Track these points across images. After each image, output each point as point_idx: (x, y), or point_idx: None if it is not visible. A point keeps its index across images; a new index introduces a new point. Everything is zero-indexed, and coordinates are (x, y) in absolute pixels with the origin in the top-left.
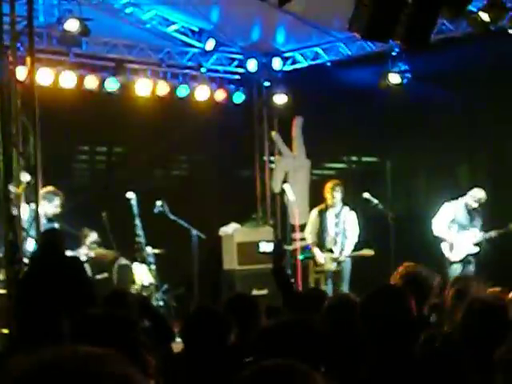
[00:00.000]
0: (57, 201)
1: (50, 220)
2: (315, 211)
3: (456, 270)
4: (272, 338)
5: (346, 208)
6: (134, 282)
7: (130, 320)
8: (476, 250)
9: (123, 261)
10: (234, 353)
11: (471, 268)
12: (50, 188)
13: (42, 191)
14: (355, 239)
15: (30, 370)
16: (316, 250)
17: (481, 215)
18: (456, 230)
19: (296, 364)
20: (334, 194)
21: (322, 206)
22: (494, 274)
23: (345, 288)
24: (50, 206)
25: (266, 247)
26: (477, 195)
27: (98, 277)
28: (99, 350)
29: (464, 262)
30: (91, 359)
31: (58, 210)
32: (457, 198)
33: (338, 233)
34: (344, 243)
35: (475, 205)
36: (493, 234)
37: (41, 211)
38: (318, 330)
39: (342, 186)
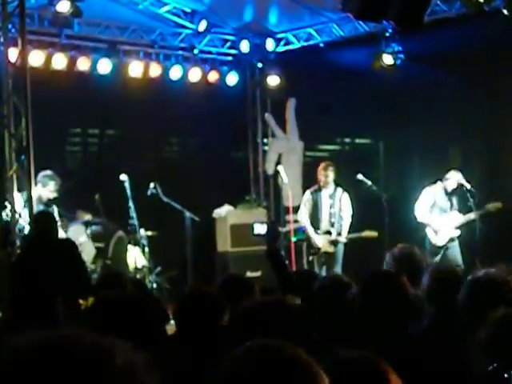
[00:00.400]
0: (51, 185)
1: (45, 204)
2: (308, 193)
3: (439, 253)
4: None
5: (340, 189)
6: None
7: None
8: (458, 233)
9: (121, 233)
10: (227, 335)
11: (454, 251)
12: (47, 172)
13: (39, 175)
14: (350, 220)
15: (23, 350)
16: (311, 233)
17: (460, 198)
18: (437, 214)
19: (284, 343)
20: (326, 174)
21: (315, 187)
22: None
23: (338, 270)
24: (44, 190)
25: (261, 229)
26: (454, 178)
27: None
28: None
29: (447, 245)
30: (91, 343)
31: (52, 195)
32: (435, 182)
33: (333, 214)
34: (341, 224)
35: (453, 187)
36: (472, 215)
37: (35, 195)
38: (292, 309)
39: (335, 166)
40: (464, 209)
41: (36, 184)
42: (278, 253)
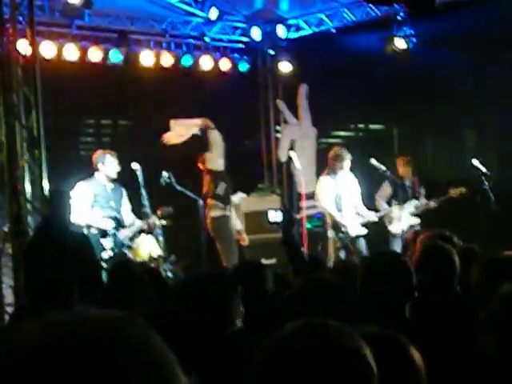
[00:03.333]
0: (109, 158)
1: (113, 181)
2: (326, 178)
3: (399, 242)
4: None
5: (351, 174)
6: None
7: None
8: (417, 221)
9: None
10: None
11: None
12: (97, 152)
13: (94, 157)
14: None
15: (40, 333)
16: (339, 217)
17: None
18: (395, 204)
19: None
20: (344, 161)
21: (330, 171)
22: None
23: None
24: (105, 167)
25: (276, 217)
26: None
27: None
28: (115, 312)
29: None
30: (104, 322)
31: (118, 168)
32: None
33: (353, 197)
34: (359, 207)
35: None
36: (432, 203)
37: (101, 178)
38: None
39: (348, 151)
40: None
41: (95, 168)
42: (293, 240)
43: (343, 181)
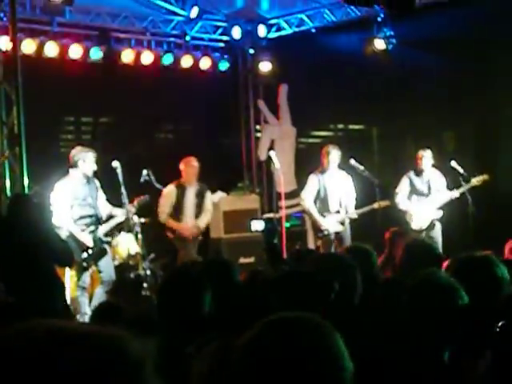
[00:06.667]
0: (90, 157)
1: (88, 180)
2: (314, 176)
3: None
4: None
5: (342, 171)
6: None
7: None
8: (440, 214)
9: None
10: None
11: (436, 232)
12: (78, 147)
13: (72, 153)
14: (354, 202)
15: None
16: (317, 216)
17: (441, 176)
18: (416, 198)
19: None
20: (331, 157)
21: (319, 169)
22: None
23: None
24: (85, 164)
25: (258, 225)
26: (424, 157)
27: None
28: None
29: (429, 227)
30: (102, 332)
31: (95, 167)
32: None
33: (341, 194)
34: (348, 204)
35: (426, 167)
36: (456, 194)
37: (79, 175)
38: None
39: (339, 149)
40: (455, 185)
41: (73, 165)
42: (276, 248)
43: (332, 178)
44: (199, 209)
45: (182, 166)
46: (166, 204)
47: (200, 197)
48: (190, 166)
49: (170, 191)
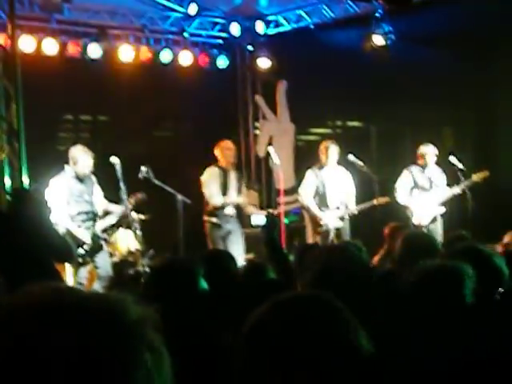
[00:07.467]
0: (82, 160)
1: (81, 180)
2: (312, 172)
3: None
4: None
5: (342, 168)
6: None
7: None
8: (442, 210)
9: None
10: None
11: (437, 228)
12: (77, 147)
13: (71, 151)
14: (354, 198)
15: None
16: (317, 211)
17: (441, 172)
18: (418, 194)
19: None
20: (330, 152)
21: (318, 165)
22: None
23: None
24: (76, 166)
25: (258, 220)
26: (427, 153)
27: None
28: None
29: (431, 223)
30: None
31: (88, 169)
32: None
33: (340, 190)
34: (347, 200)
35: (430, 162)
36: (458, 190)
37: (70, 174)
38: None
39: (337, 144)
40: (453, 182)
41: (69, 162)
42: (276, 243)
43: (330, 174)
44: (239, 194)
45: (217, 151)
46: (214, 185)
47: (240, 182)
48: (227, 149)
49: (213, 172)
